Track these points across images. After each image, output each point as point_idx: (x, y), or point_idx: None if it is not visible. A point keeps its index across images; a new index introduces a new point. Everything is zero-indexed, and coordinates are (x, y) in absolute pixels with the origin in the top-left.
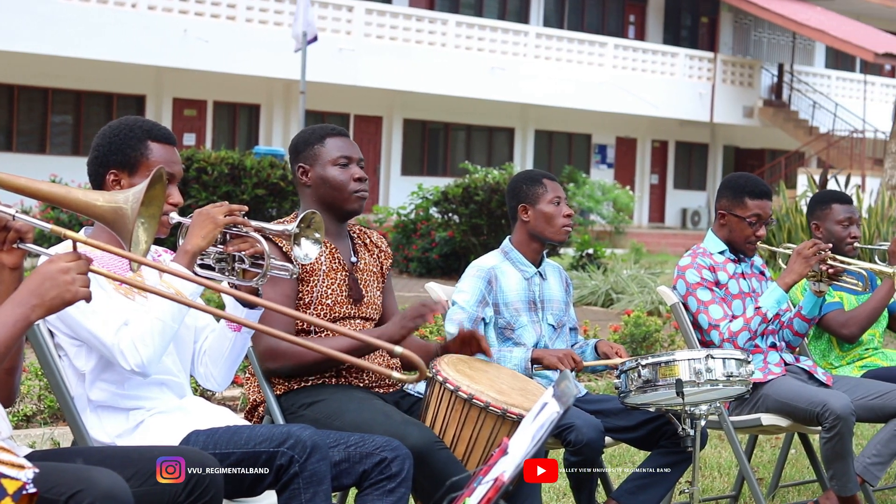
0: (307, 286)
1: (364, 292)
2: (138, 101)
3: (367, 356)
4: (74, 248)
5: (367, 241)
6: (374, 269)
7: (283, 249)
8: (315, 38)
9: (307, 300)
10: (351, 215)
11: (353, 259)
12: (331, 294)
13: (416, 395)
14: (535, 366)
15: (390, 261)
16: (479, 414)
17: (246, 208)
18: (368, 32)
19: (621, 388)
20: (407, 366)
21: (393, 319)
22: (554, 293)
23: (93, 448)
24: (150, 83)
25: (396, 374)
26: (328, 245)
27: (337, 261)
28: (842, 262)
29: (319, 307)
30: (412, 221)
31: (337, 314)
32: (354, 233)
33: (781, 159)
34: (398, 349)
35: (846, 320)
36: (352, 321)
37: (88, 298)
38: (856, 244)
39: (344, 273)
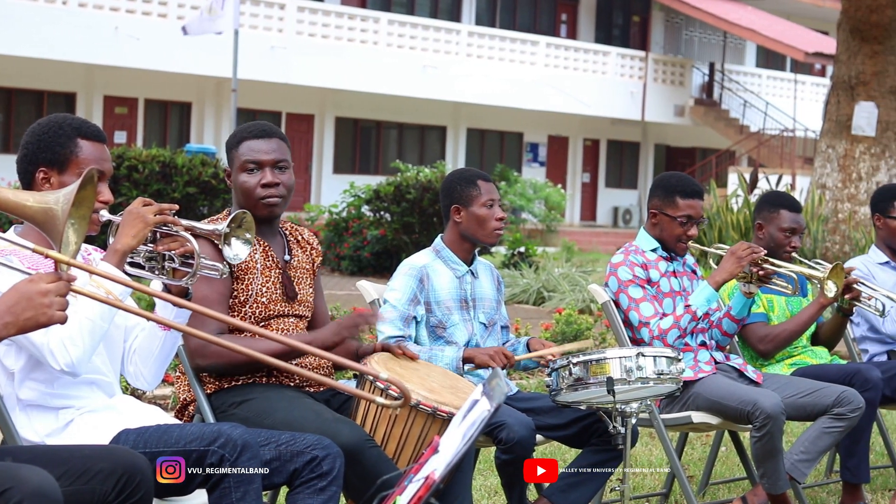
0: (242, 284)
1: (297, 290)
2: (69, 98)
3: (297, 360)
4: (56, 268)
5: (300, 238)
6: (307, 267)
7: (214, 249)
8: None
9: (242, 298)
10: (265, 220)
11: (287, 257)
12: (265, 292)
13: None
14: (466, 365)
15: (320, 258)
16: (409, 412)
17: (176, 207)
18: (300, 30)
19: (552, 386)
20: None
21: (329, 325)
22: (485, 291)
23: (22, 447)
24: (81, 80)
25: (380, 400)
26: (262, 243)
27: (271, 258)
28: (773, 265)
29: (254, 305)
30: (344, 220)
31: (272, 312)
32: (286, 230)
33: (712, 158)
34: (383, 373)
35: (765, 335)
36: (286, 319)
37: (63, 321)
38: (794, 255)
39: (278, 271)
